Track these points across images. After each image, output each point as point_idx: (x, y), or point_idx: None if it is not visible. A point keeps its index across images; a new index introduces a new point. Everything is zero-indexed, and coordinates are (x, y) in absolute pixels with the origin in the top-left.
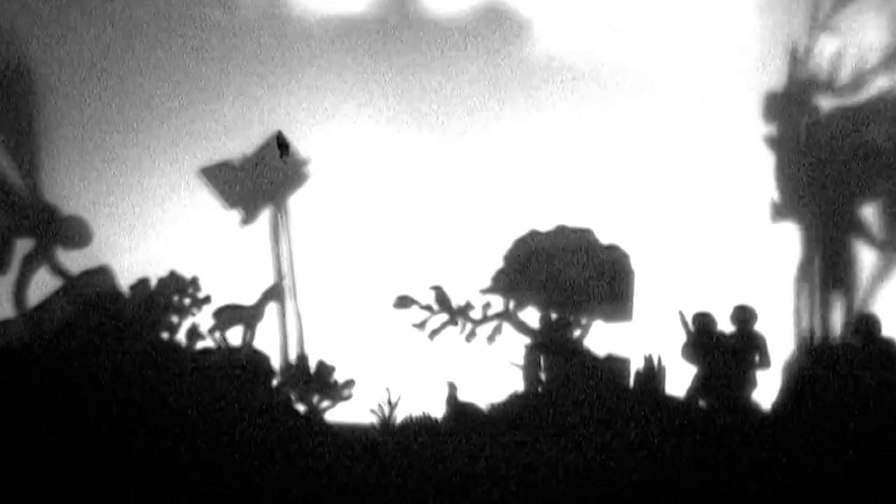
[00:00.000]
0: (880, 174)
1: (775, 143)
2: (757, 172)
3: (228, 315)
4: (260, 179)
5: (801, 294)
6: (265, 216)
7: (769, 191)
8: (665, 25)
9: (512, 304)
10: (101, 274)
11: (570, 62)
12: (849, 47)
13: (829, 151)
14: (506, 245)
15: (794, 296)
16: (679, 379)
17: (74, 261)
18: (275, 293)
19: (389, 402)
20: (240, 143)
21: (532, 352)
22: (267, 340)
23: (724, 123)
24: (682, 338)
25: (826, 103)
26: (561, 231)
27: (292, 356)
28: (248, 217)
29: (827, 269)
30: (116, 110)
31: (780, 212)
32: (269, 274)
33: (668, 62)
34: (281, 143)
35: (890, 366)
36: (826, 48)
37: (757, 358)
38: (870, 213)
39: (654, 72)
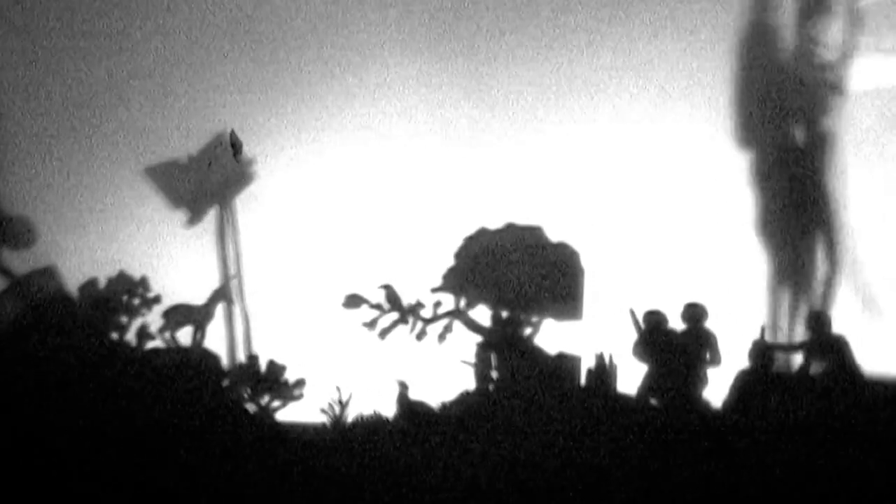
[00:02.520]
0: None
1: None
2: (707, 170)
3: (178, 315)
4: (206, 179)
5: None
6: (212, 216)
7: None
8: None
9: (462, 303)
10: (48, 274)
11: (517, 52)
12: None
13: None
14: (456, 243)
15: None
16: (630, 377)
17: (20, 261)
18: (224, 293)
19: (340, 402)
20: (186, 142)
21: (483, 350)
22: (216, 340)
23: (672, 118)
24: (632, 336)
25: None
26: (510, 229)
27: (242, 356)
28: (194, 217)
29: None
30: (61, 109)
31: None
32: (218, 273)
33: (624, 63)
34: (234, 142)
35: (838, 361)
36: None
37: (708, 355)
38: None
39: (609, 67)
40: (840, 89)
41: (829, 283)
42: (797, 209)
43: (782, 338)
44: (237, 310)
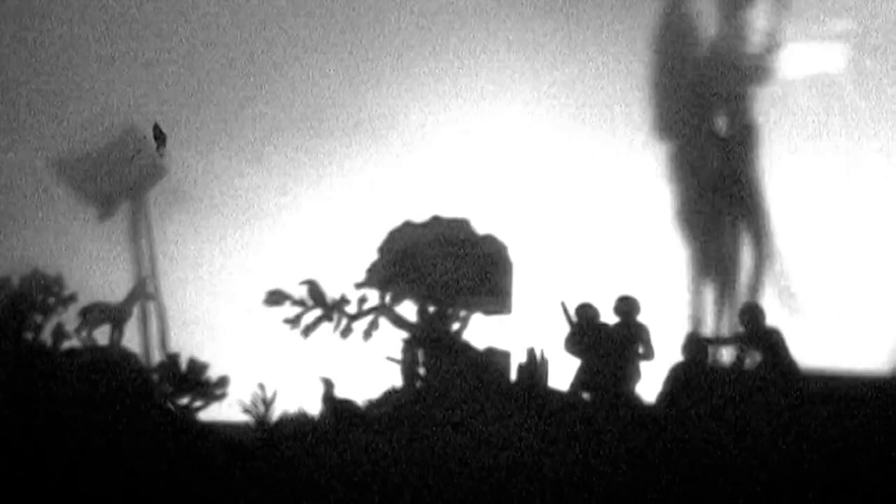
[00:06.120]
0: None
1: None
2: (640, 163)
3: (96, 314)
4: (116, 173)
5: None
6: (125, 210)
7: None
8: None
9: (388, 298)
10: None
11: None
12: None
13: None
14: (380, 237)
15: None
16: (562, 372)
17: None
18: (142, 290)
19: (264, 400)
20: (95, 135)
21: (410, 346)
22: (131, 339)
23: (604, 113)
24: (564, 330)
25: None
26: (436, 222)
27: (158, 355)
28: (106, 212)
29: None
30: None
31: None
32: (132, 269)
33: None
34: (157, 135)
35: (772, 354)
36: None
37: (640, 349)
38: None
39: (542, 62)
40: (765, 77)
41: (756, 276)
42: (721, 200)
43: (707, 331)
44: (152, 307)
